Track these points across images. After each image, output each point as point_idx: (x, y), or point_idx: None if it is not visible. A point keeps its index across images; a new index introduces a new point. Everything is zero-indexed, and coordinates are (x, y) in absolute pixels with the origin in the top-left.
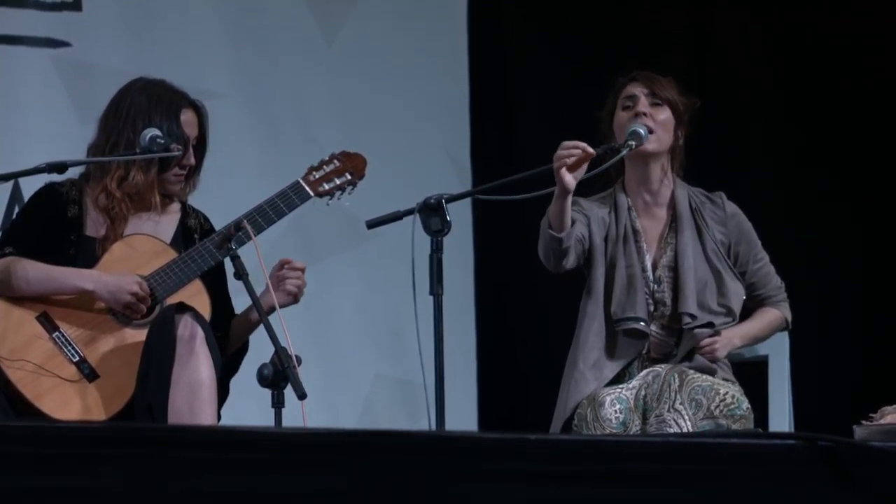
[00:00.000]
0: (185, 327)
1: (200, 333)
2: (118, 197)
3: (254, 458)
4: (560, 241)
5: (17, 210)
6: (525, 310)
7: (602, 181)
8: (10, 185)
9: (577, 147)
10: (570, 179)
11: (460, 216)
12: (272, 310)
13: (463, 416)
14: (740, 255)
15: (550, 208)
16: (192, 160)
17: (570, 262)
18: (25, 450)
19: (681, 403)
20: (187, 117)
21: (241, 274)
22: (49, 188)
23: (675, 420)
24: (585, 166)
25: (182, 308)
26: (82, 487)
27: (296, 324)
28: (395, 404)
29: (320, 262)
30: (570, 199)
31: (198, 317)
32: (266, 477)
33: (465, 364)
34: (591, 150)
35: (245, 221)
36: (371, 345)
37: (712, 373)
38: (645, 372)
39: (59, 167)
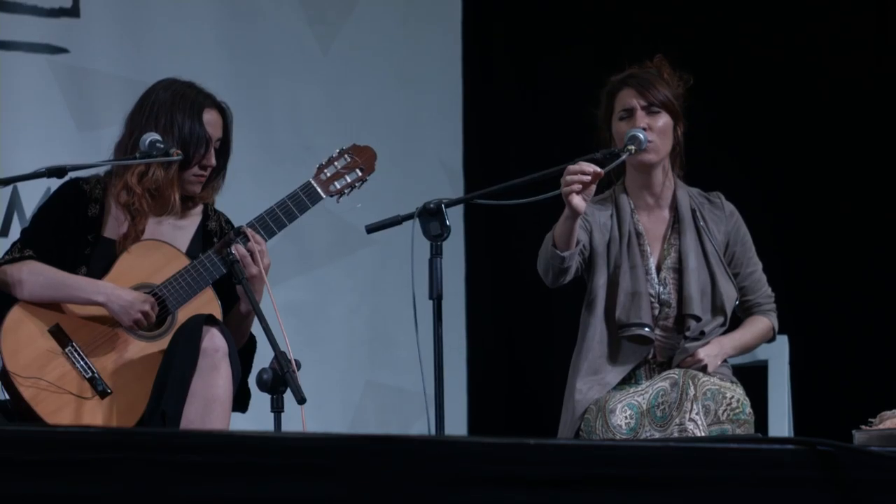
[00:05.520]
0: (211, 340)
1: (224, 348)
2: (138, 193)
3: (253, 463)
4: (563, 259)
5: (39, 204)
6: (516, 316)
7: (603, 183)
8: (8, 190)
9: (584, 172)
10: (579, 202)
11: (452, 222)
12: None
13: (452, 423)
14: (736, 255)
15: (557, 227)
16: (213, 160)
17: (569, 277)
18: (28, 455)
19: (697, 413)
20: (210, 117)
21: (239, 278)
22: (73, 185)
23: (693, 431)
24: (594, 187)
25: (211, 321)
26: (83, 493)
27: (288, 329)
28: (387, 411)
29: (314, 269)
30: (578, 220)
31: (225, 332)
32: (265, 482)
33: (455, 370)
34: (599, 170)
35: (244, 227)
36: (362, 351)
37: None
38: (661, 376)
39: (59, 171)
